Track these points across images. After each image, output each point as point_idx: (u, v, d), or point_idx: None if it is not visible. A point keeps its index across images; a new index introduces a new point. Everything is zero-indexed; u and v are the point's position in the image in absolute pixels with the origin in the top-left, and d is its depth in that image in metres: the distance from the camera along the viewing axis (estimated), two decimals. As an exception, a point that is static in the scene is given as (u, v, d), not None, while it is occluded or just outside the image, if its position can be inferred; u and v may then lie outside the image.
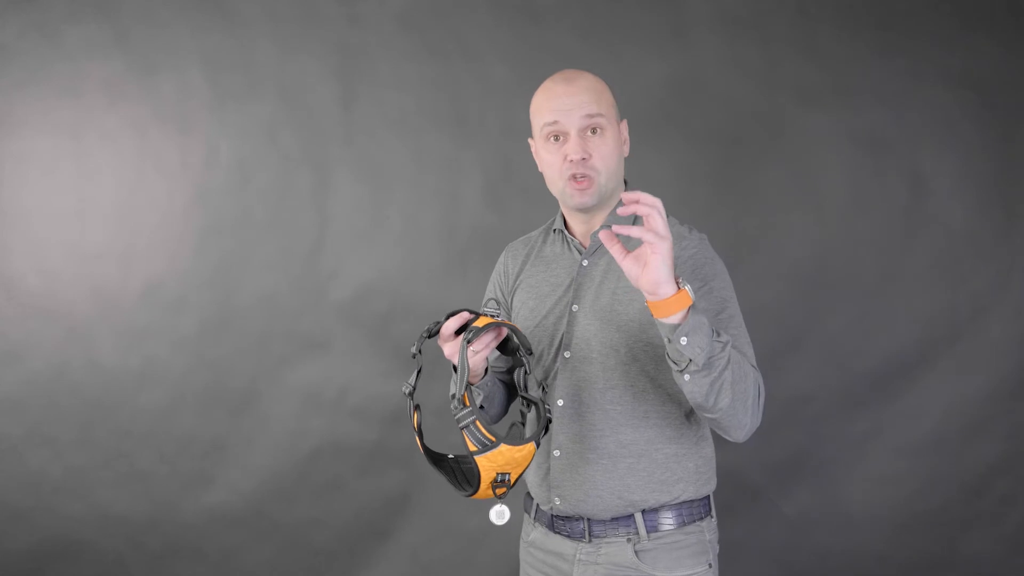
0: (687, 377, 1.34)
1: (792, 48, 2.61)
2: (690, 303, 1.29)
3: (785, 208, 2.63)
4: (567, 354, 1.58)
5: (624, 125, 1.62)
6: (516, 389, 1.60)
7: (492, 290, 1.77)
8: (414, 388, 1.48)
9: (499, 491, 1.41)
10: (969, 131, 2.56)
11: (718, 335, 1.34)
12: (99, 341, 2.88)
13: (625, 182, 1.65)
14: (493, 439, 1.36)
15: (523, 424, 1.57)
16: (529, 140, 1.66)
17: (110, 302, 2.87)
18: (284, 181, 2.83)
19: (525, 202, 2.69)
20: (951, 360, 2.58)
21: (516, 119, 2.69)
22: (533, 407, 1.51)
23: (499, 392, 1.70)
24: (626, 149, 1.63)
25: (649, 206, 1.26)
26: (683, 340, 1.29)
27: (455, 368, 1.46)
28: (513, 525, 1.84)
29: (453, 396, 1.40)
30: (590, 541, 1.57)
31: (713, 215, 2.58)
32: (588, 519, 1.57)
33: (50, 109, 2.86)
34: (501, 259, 1.79)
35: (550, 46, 2.68)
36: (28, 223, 2.89)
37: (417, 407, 1.47)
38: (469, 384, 1.37)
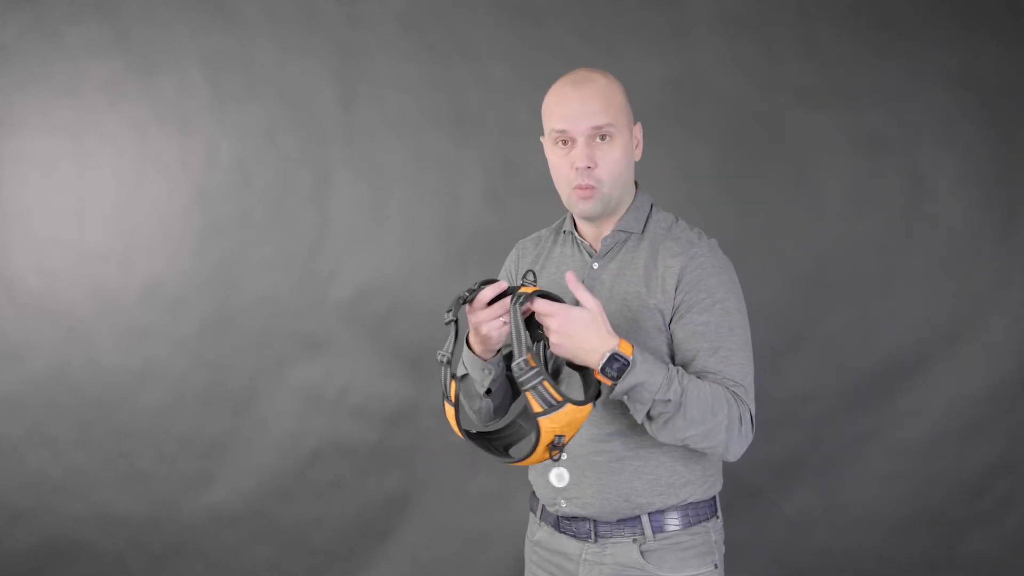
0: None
1: (792, 48, 2.61)
2: (607, 383, 1.39)
3: (785, 208, 2.63)
4: None
5: (638, 128, 1.60)
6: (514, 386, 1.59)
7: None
8: (451, 355, 1.45)
9: (553, 453, 1.39)
10: (969, 131, 2.56)
11: (668, 383, 1.40)
12: (99, 341, 2.88)
13: (637, 184, 1.64)
14: (560, 399, 1.34)
15: (538, 353, 1.54)
16: (541, 138, 1.64)
17: (110, 302, 2.87)
18: (284, 181, 2.83)
19: (525, 202, 2.69)
20: (951, 360, 2.58)
21: (516, 119, 2.69)
22: (578, 372, 1.50)
23: (504, 381, 1.67)
24: (638, 153, 1.61)
25: (544, 315, 1.39)
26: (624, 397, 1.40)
27: (457, 339, 1.46)
28: (520, 527, 1.84)
29: (489, 392, 1.47)
30: (596, 541, 1.57)
31: (713, 215, 2.58)
32: (594, 520, 1.57)
33: (50, 109, 2.86)
34: (511, 257, 1.77)
35: (550, 46, 2.68)
36: (28, 223, 2.89)
37: (455, 376, 1.45)
38: (528, 347, 1.36)
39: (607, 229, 1.61)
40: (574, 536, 1.59)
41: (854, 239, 2.61)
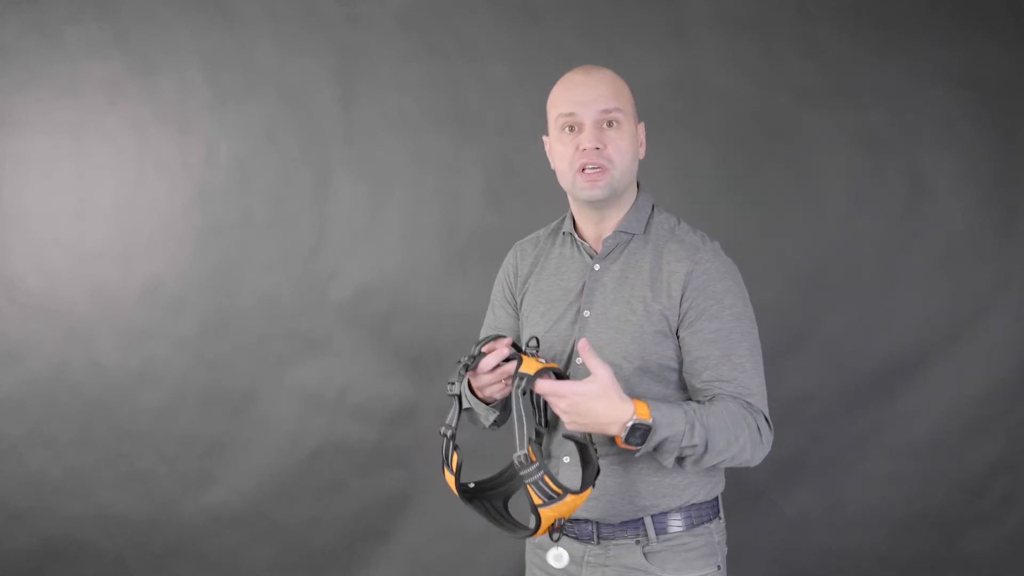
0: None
1: (792, 48, 2.61)
2: (632, 449, 1.39)
3: (785, 208, 2.63)
4: (578, 360, 1.55)
5: (641, 127, 1.59)
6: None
7: (500, 290, 1.74)
8: (455, 429, 1.44)
9: (554, 535, 1.41)
10: (969, 131, 2.56)
11: (691, 429, 1.39)
12: (99, 341, 2.88)
13: (638, 185, 1.63)
14: (560, 491, 1.34)
15: (539, 443, 1.55)
16: (543, 138, 1.63)
17: (110, 302, 2.87)
18: (284, 181, 2.83)
19: (525, 202, 2.69)
20: (951, 360, 2.58)
21: (516, 119, 2.69)
22: (577, 446, 1.50)
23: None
24: (642, 152, 1.60)
25: (551, 397, 1.37)
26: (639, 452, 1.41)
27: (461, 411, 1.46)
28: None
29: (495, 424, 1.46)
30: (598, 543, 1.56)
31: (713, 215, 2.58)
32: (596, 522, 1.56)
33: (50, 109, 2.86)
34: (509, 258, 1.74)
35: (550, 46, 2.67)
36: (28, 223, 2.89)
37: (457, 447, 1.44)
38: (530, 438, 1.34)
39: (608, 229, 1.59)
40: (576, 538, 1.59)
41: (854, 239, 2.60)
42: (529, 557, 1.72)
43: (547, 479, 1.32)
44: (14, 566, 2.90)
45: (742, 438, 1.43)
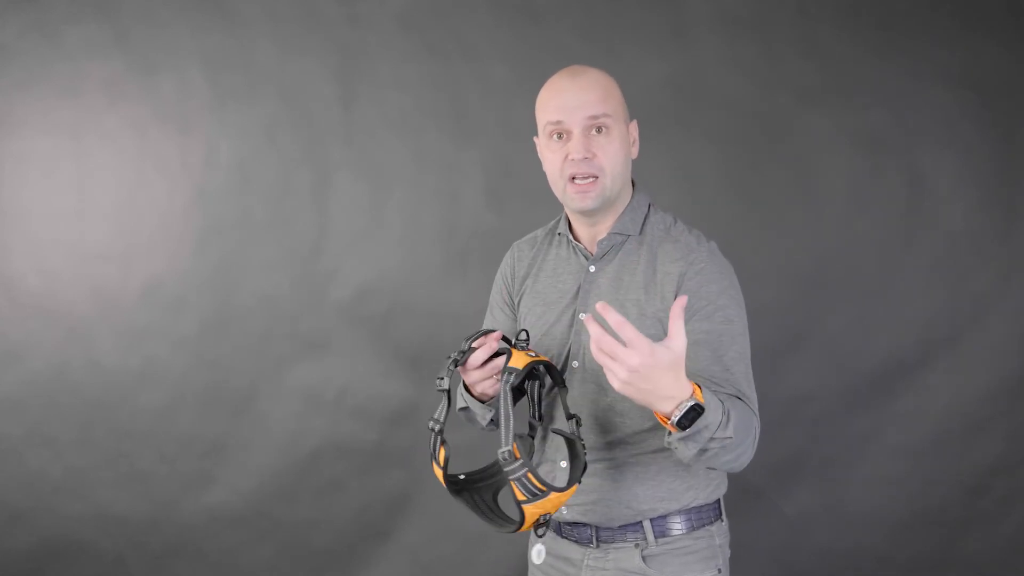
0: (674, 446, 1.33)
1: (792, 48, 2.61)
2: (675, 432, 1.27)
3: (785, 208, 2.62)
4: (575, 364, 1.55)
5: (634, 126, 1.57)
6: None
7: (498, 291, 1.74)
8: (443, 424, 1.43)
9: (539, 530, 1.40)
10: (969, 131, 2.56)
11: (726, 420, 1.29)
12: (99, 341, 2.88)
13: (633, 183, 1.61)
14: (544, 488, 1.33)
15: (531, 436, 1.55)
16: (534, 139, 1.61)
17: (110, 302, 2.87)
18: (284, 181, 2.83)
19: (525, 202, 2.69)
20: (951, 360, 2.58)
21: (516, 119, 2.68)
22: (567, 442, 1.48)
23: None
24: (635, 151, 1.57)
25: (629, 345, 1.19)
26: (675, 443, 1.31)
27: (465, 388, 1.43)
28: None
29: (492, 423, 1.40)
30: (598, 546, 1.55)
31: (713, 215, 2.58)
32: (595, 526, 1.55)
33: (50, 109, 2.86)
34: (507, 259, 1.74)
35: (550, 46, 2.67)
36: (28, 223, 2.89)
37: (444, 442, 1.42)
38: (516, 435, 1.32)
39: (603, 231, 1.57)
40: (576, 541, 1.58)
41: (854, 239, 2.60)
42: (531, 559, 1.72)
43: (531, 476, 1.32)
44: (14, 566, 2.90)
45: (749, 438, 1.40)
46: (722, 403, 1.32)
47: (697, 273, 1.48)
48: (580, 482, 1.41)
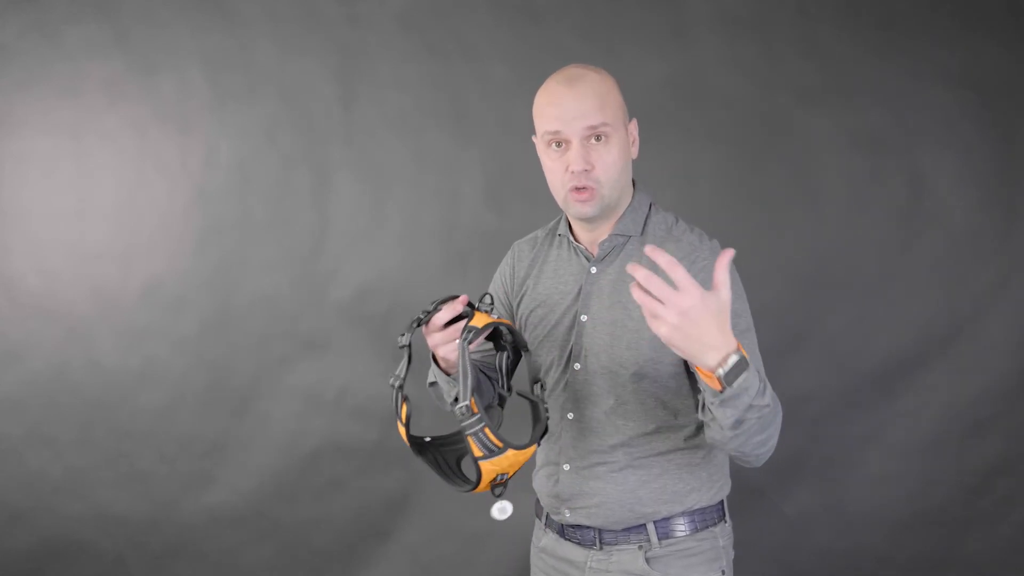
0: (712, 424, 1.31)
1: (792, 48, 2.61)
2: (719, 388, 1.23)
3: (785, 208, 2.63)
4: (577, 366, 1.55)
5: (633, 125, 1.56)
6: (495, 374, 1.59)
7: (495, 290, 1.74)
8: (403, 380, 1.44)
9: (496, 490, 1.40)
10: (969, 131, 2.56)
11: (763, 387, 1.26)
12: (99, 341, 2.88)
13: (634, 183, 1.61)
14: (500, 445, 1.34)
15: (501, 407, 1.54)
16: (533, 138, 1.61)
17: (110, 302, 2.87)
18: (284, 181, 2.83)
19: (525, 202, 2.69)
20: (951, 360, 2.58)
21: (516, 119, 2.68)
22: (530, 404, 1.49)
23: (484, 380, 1.65)
24: (635, 150, 1.56)
25: (679, 286, 1.16)
26: (715, 409, 1.27)
27: (434, 360, 1.43)
28: (519, 527, 1.83)
29: (456, 401, 1.36)
30: (601, 549, 1.56)
31: (713, 215, 2.58)
32: (599, 528, 1.55)
33: (50, 109, 2.86)
34: (507, 259, 1.74)
35: (550, 46, 2.68)
36: (28, 223, 2.89)
37: (406, 399, 1.43)
38: (473, 389, 1.33)
39: (604, 233, 1.57)
40: (579, 544, 1.58)
41: (854, 239, 2.60)
42: (533, 560, 1.72)
43: (487, 431, 1.33)
44: (14, 566, 2.90)
45: (778, 418, 1.36)
46: (758, 372, 1.29)
47: (700, 271, 1.48)
48: (540, 444, 1.42)
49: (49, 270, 2.89)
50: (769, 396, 1.27)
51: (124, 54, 2.83)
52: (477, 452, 1.34)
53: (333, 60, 2.79)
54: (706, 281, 1.45)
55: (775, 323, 2.57)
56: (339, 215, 2.81)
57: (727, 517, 1.61)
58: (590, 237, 1.59)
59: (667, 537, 1.53)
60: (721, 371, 1.20)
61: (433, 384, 1.65)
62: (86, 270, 2.88)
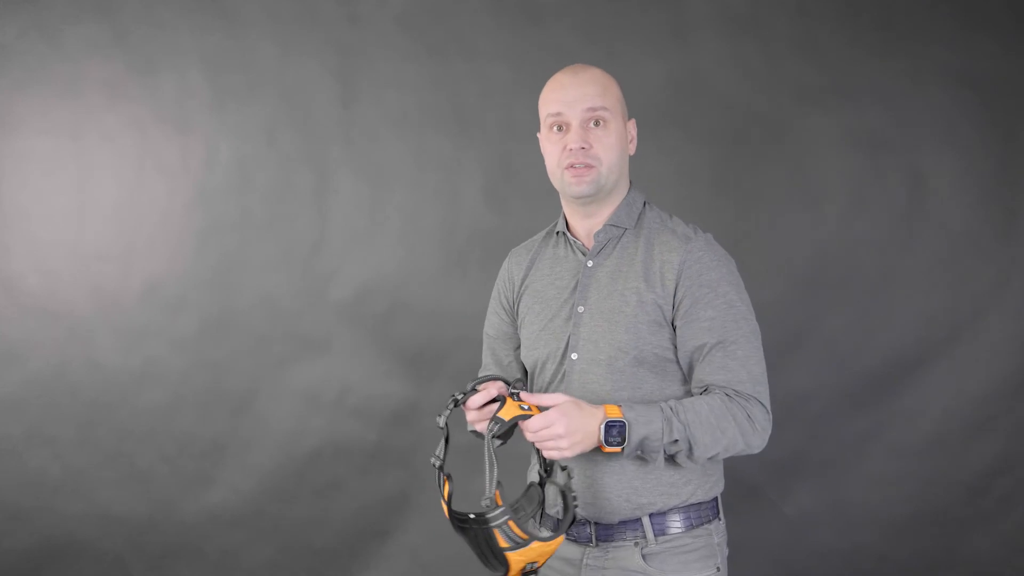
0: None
1: (792, 48, 2.61)
2: (616, 451, 1.44)
3: (785, 208, 2.63)
4: (574, 356, 1.57)
5: (632, 124, 1.61)
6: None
7: (497, 296, 1.76)
8: (444, 460, 1.47)
9: None
10: (969, 131, 2.56)
11: (668, 425, 1.43)
12: (99, 341, 2.88)
13: (630, 183, 1.63)
14: (525, 537, 1.36)
15: (542, 486, 1.54)
16: (538, 135, 1.64)
17: (110, 302, 2.87)
18: (284, 181, 2.83)
19: (525, 203, 2.69)
20: (951, 360, 2.58)
21: (516, 119, 2.69)
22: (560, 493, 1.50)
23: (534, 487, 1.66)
24: (632, 148, 1.61)
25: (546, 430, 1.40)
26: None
27: (448, 443, 1.46)
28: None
29: (483, 498, 1.41)
30: (597, 545, 1.56)
31: (713, 215, 2.58)
32: (595, 523, 1.56)
33: (50, 109, 2.86)
34: (505, 266, 1.76)
35: (550, 46, 2.68)
36: (28, 223, 2.89)
37: (448, 477, 1.47)
38: (499, 481, 1.36)
39: (599, 223, 1.60)
40: (575, 540, 1.58)
41: (854, 239, 2.60)
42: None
43: (512, 524, 1.35)
44: (14, 566, 2.90)
45: (729, 430, 1.46)
46: (662, 411, 1.43)
47: (696, 261, 1.52)
48: (568, 535, 1.46)
49: (49, 270, 2.89)
50: (678, 432, 1.43)
51: (124, 54, 2.83)
52: (503, 543, 1.35)
53: (333, 60, 2.79)
54: (703, 271, 1.52)
55: (775, 323, 2.56)
56: (339, 215, 2.81)
57: (721, 515, 1.63)
58: (586, 227, 1.61)
59: (663, 533, 1.54)
60: (603, 440, 1.42)
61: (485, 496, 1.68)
62: (86, 270, 2.88)
